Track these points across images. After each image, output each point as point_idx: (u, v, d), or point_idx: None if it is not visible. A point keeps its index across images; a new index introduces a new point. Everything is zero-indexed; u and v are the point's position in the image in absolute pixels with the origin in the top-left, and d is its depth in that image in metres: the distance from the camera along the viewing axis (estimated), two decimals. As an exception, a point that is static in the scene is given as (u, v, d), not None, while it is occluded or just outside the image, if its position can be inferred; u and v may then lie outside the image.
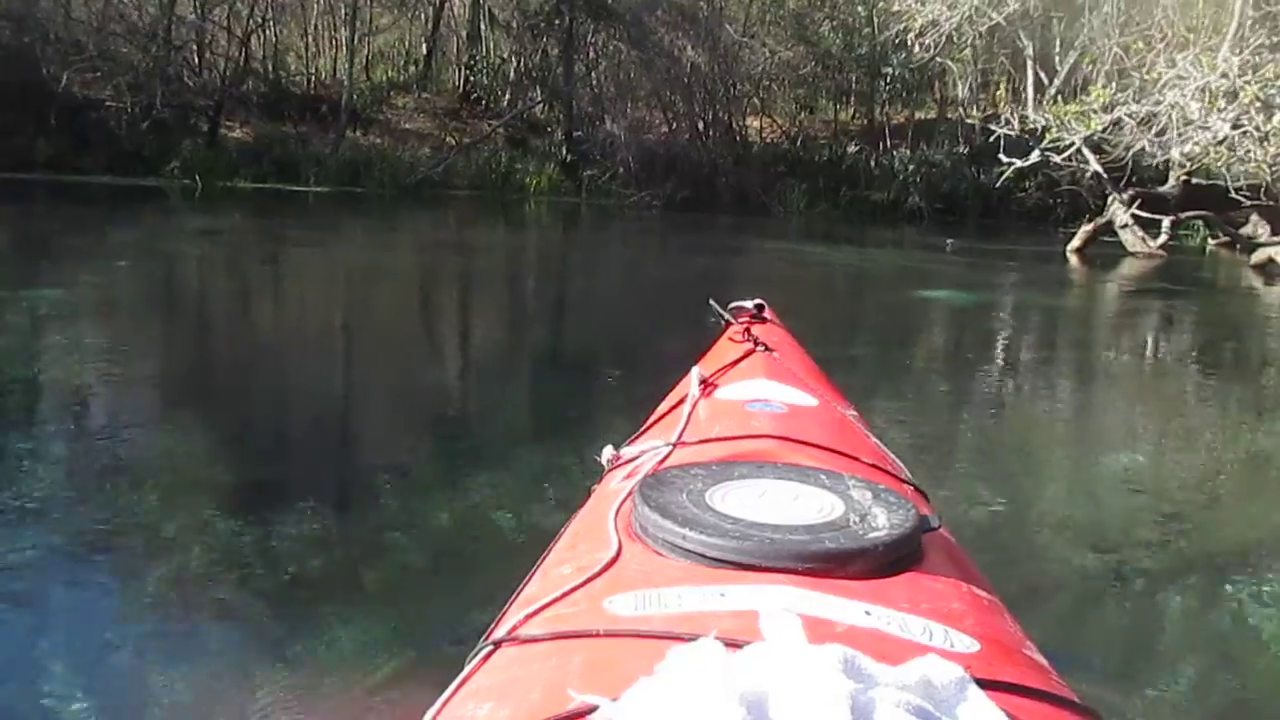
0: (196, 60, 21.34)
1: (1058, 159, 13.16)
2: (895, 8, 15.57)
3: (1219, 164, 11.17)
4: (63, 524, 3.18)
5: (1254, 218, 15.06)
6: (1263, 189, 12.73)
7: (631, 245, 15.27)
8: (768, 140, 22.66)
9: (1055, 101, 13.23)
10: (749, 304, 2.48)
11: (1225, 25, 12.84)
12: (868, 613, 1.06)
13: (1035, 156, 13.56)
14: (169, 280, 9.45)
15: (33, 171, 17.44)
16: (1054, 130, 12.44)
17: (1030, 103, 22.29)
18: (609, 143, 19.79)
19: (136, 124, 18.86)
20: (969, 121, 17.48)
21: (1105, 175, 13.34)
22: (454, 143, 20.69)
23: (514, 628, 1.14)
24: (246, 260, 11.01)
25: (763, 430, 1.69)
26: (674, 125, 21.08)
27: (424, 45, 24.17)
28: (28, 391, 5.00)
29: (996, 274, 13.26)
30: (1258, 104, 10.05)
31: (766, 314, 2.49)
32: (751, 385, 1.97)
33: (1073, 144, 12.52)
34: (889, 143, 22.27)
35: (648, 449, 1.70)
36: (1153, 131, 11.44)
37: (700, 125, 21.43)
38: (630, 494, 1.36)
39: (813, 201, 20.50)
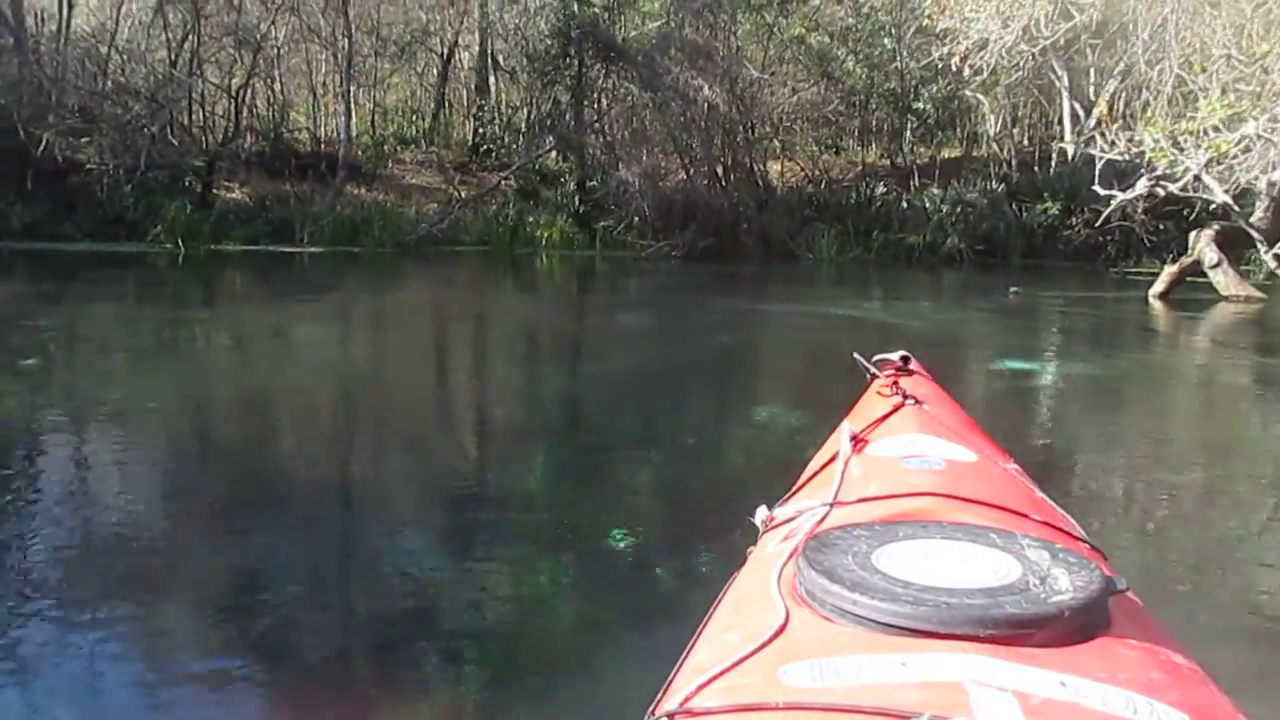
0: (187, 119, 19.21)
1: (1173, 188, 10.63)
2: (940, 27, 13.08)
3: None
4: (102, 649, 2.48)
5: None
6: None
7: (653, 302, 13.08)
8: (790, 184, 20.56)
9: (1145, 121, 10.59)
10: (894, 356, 2.27)
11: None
12: (1063, 684, 0.98)
13: (1142, 187, 11.04)
14: (83, 378, 7.02)
15: (7, 239, 15.37)
16: (1160, 154, 9.90)
17: (1068, 135, 20.04)
18: (623, 191, 17.68)
19: (120, 186, 16.64)
20: (1064, 146, 15.00)
21: (1234, 207, 10.80)
22: (460, 196, 18.63)
23: (686, 699, 1.07)
24: (212, 340, 8.76)
25: (922, 488, 1.57)
26: (691, 170, 18.95)
27: (433, 98, 22.21)
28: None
29: (1077, 331, 10.84)
30: None
31: (913, 365, 2.28)
32: (905, 440, 1.83)
33: (1186, 170, 10.00)
34: (918, 182, 20.03)
35: (804, 509, 1.59)
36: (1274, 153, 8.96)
37: (719, 170, 19.31)
38: (791, 556, 1.30)
39: (843, 246, 18.37)
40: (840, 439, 1.86)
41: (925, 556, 1.23)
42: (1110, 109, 10.53)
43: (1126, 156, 10.43)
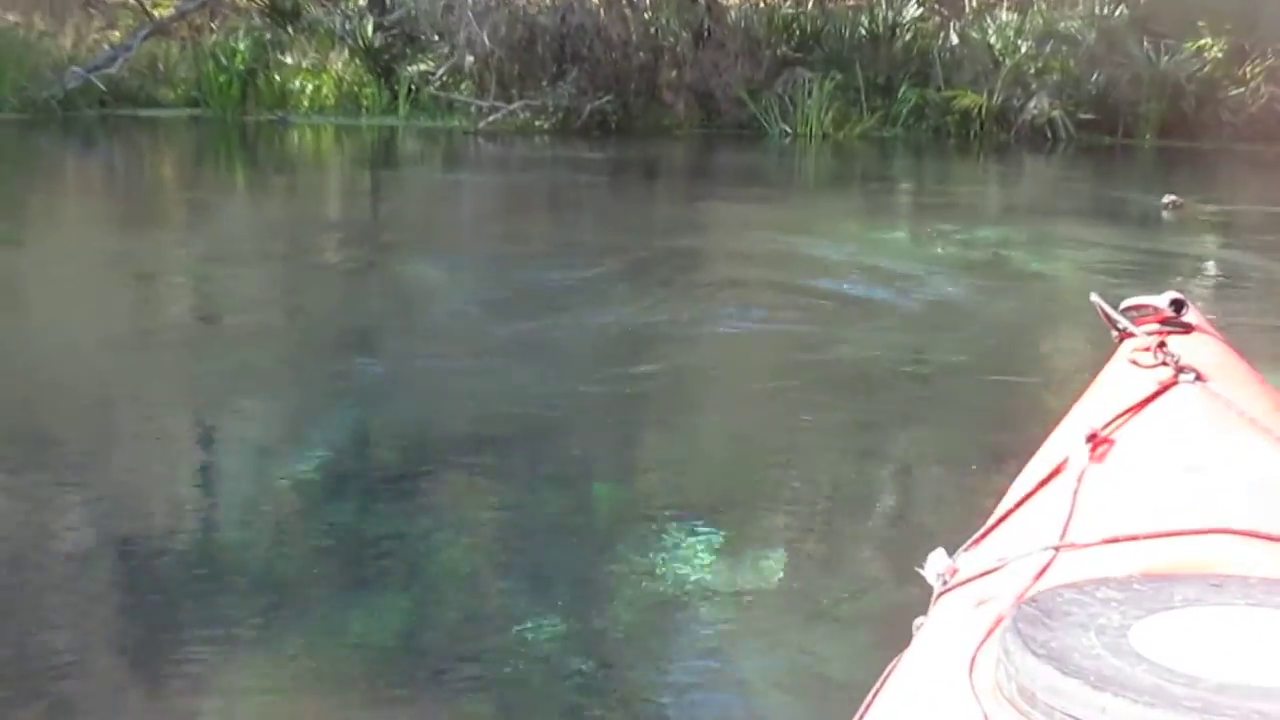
0: None
1: None
2: None
3: None
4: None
5: None
6: None
7: (496, 229, 9.20)
8: (752, 1, 16.34)
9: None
10: (1159, 301, 1.81)
11: None
12: None
13: None
14: None
15: None
16: None
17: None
18: (447, 10, 13.89)
19: None
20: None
21: None
22: (155, 16, 14.77)
23: None
24: None
25: (1212, 521, 1.33)
26: (573, -24, 14.19)
27: None
28: None
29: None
30: None
31: (1189, 316, 1.79)
32: (1181, 441, 1.54)
33: None
34: (975, 2, 15.96)
35: (1010, 556, 1.38)
36: None
37: (625, -24, 14.56)
38: (991, 632, 1.16)
39: (846, 114, 14.38)
40: (1070, 439, 1.56)
41: (1220, 634, 1.07)
42: None
43: None
